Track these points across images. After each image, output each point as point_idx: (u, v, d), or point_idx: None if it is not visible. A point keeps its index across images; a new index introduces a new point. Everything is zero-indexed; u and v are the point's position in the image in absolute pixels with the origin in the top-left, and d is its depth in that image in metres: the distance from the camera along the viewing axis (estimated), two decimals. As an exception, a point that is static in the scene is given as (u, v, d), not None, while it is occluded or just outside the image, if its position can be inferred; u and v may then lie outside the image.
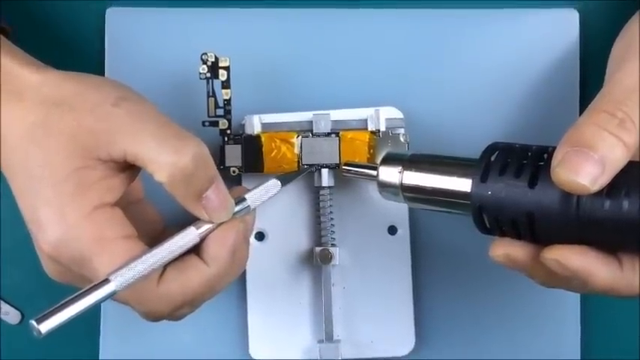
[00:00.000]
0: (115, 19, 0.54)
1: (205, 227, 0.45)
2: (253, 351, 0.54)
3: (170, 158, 0.43)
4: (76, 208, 0.43)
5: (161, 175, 0.43)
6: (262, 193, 0.48)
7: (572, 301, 0.55)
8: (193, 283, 0.44)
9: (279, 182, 0.49)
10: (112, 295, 0.42)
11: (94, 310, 0.54)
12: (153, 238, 0.45)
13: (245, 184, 0.53)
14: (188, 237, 0.44)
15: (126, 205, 0.46)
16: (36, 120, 0.44)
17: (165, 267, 0.44)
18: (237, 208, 0.46)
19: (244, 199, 0.46)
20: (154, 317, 0.46)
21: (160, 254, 0.43)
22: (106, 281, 0.42)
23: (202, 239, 0.45)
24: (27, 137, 0.44)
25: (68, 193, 0.43)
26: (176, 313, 0.46)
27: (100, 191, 0.43)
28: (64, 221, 0.43)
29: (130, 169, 0.45)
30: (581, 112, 0.53)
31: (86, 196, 0.43)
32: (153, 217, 0.49)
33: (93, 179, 0.43)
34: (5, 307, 0.56)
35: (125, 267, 0.42)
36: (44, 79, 0.45)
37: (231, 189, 0.47)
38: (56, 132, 0.43)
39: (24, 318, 0.56)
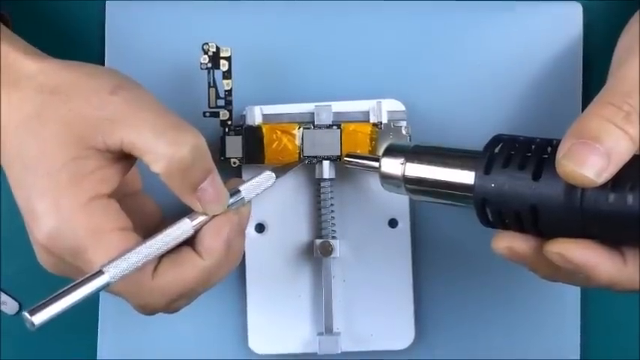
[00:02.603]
0: (116, 10, 0.54)
1: (200, 219, 0.45)
2: (253, 344, 0.54)
3: (167, 149, 0.42)
4: (71, 198, 0.42)
5: (158, 166, 0.43)
6: (257, 185, 0.47)
7: (572, 298, 0.54)
8: (188, 275, 0.44)
9: (273, 174, 0.48)
10: (105, 287, 0.41)
11: (92, 307, 0.54)
12: (150, 231, 0.45)
13: (245, 175, 0.52)
14: (182, 228, 0.44)
15: (123, 197, 0.46)
16: (32, 109, 0.43)
17: (160, 259, 0.44)
18: (231, 200, 0.45)
19: (239, 191, 0.46)
20: (150, 310, 0.45)
21: (154, 246, 0.43)
22: (99, 273, 0.41)
23: (197, 231, 0.45)
24: (23, 127, 0.43)
25: (63, 184, 0.42)
26: (172, 305, 0.45)
27: (95, 182, 0.43)
28: (58, 212, 0.42)
29: (125, 159, 0.44)
30: (583, 105, 0.53)
31: (81, 186, 0.43)
32: (151, 210, 0.49)
33: (88, 169, 0.43)
34: (3, 296, 0.55)
35: (119, 258, 0.42)
36: (41, 67, 0.44)
37: (227, 181, 0.47)
38: (51, 121, 0.43)
39: (21, 308, 0.56)
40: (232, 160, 0.52)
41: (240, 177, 0.52)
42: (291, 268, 0.54)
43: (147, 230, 0.45)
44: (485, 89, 0.54)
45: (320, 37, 0.54)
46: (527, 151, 0.42)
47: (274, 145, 0.52)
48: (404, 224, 0.54)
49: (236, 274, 0.54)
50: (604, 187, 0.39)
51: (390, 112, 0.52)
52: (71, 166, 0.43)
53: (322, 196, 0.52)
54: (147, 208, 0.49)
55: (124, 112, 0.43)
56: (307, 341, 0.54)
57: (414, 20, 0.54)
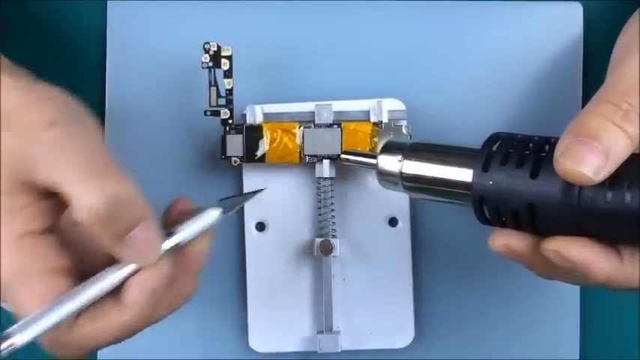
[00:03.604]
0: (117, 10, 0.54)
1: (127, 269, 0.41)
2: (253, 342, 0.54)
3: (87, 198, 0.39)
4: (1, 235, 0.41)
5: (79, 215, 0.40)
6: (197, 225, 0.43)
7: (571, 298, 0.54)
8: (108, 328, 0.42)
9: (218, 211, 0.43)
10: (13, 351, 0.39)
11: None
12: (101, 261, 0.42)
13: (246, 174, 0.53)
14: (107, 281, 0.41)
15: (72, 226, 0.43)
16: None
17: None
18: (164, 246, 0.41)
19: (174, 234, 0.42)
20: (69, 357, 0.43)
21: (71, 305, 0.40)
22: (6, 337, 0.39)
23: (125, 279, 0.41)
24: None
25: None
26: (94, 349, 0.43)
27: (26, 218, 0.41)
28: None
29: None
30: (583, 105, 0.53)
31: (11, 223, 0.41)
32: None
33: (19, 205, 0.41)
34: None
35: (30, 321, 0.40)
36: None
37: (175, 201, 0.44)
38: None
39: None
40: (233, 159, 0.52)
41: (241, 175, 0.53)
42: (291, 267, 0.54)
43: (97, 260, 0.43)
44: (486, 89, 0.54)
45: (320, 36, 0.54)
46: (525, 149, 0.42)
47: (275, 144, 0.52)
48: (404, 223, 0.54)
49: (236, 273, 0.54)
50: (602, 185, 0.39)
51: (390, 112, 0.52)
52: (2, 201, 0.41)
53: (322, 195, 0.53)
54: None
55: (52, 153, 0.40)
56: (307, 340, 0.54)
57: (414, 20, 0.54)
